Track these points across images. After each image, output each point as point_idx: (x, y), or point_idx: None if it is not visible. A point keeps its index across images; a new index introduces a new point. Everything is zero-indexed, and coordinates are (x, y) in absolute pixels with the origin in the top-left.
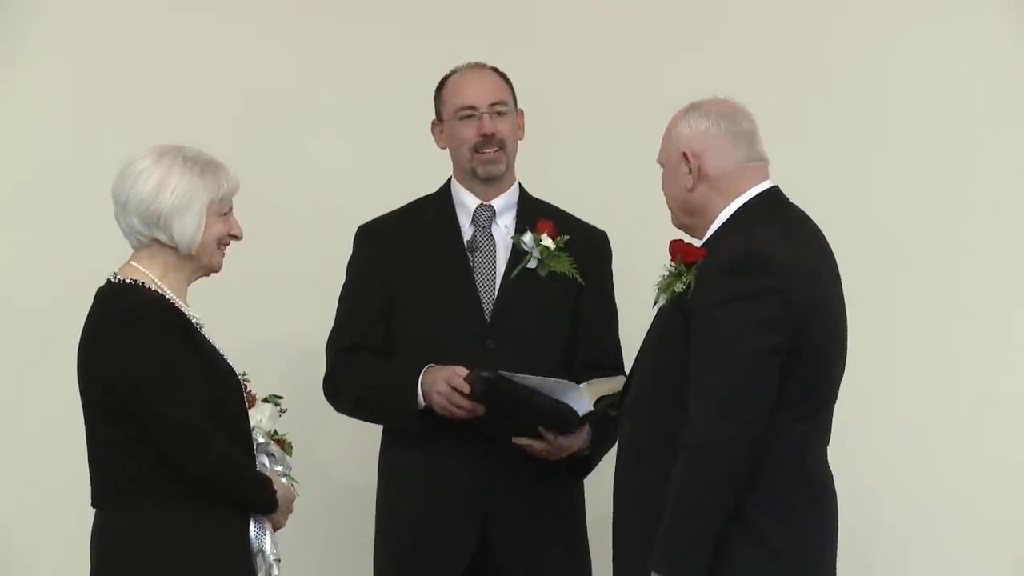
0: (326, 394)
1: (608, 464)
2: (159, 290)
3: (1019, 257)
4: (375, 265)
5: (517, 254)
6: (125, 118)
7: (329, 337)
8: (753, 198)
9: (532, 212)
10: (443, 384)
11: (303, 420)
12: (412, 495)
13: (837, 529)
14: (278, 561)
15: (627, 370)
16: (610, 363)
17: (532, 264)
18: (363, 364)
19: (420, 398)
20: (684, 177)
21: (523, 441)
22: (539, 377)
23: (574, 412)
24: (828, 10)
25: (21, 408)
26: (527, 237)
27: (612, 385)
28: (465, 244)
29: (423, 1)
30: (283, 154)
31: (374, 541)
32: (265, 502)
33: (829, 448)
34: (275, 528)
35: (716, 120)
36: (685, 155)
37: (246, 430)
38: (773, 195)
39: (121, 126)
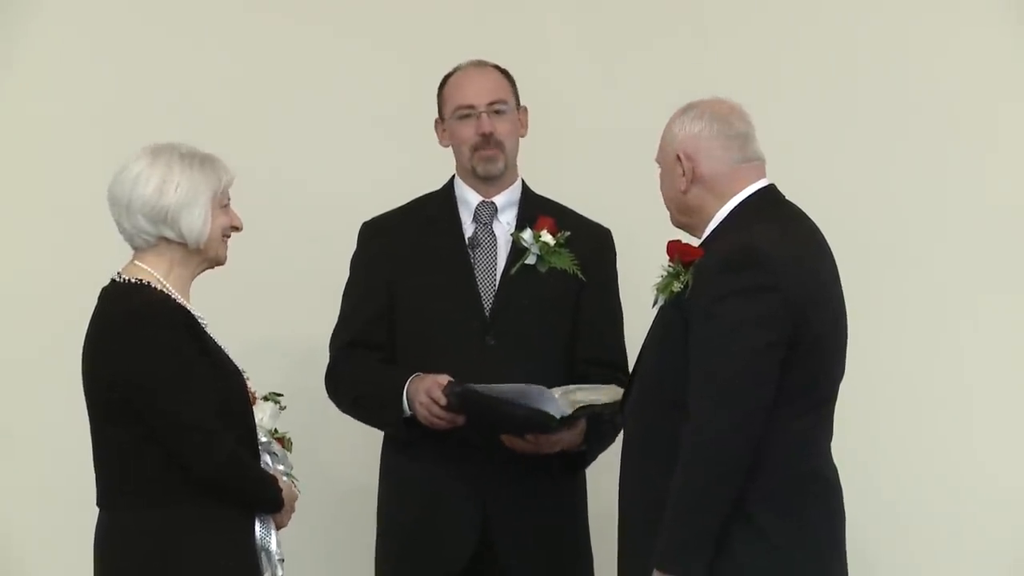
0: (327, 390)
1: (610, 463)
2: (164, 289)
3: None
4: (378, 262)
5: (517, 251)
6: (127, 118)
7: (332, 332)
8: (749, 197)
9: (534, 209)
10: (423, 395)
11: (305, 419)
12: (412, 496)
13: (844, 524)
14: (282, 561)
15: (630, 366)
16: (612, 360)
17: (531, 260)
18: (360, 365)
19: (406, 407)
20: (678, 179)
21: (511, 439)
22: (510, 385)
23: (551, 416)
24: (833, 10)
25: (25, 408)
26: (527, 234)
27: (599, 395)
28: (466, 241)
29: None
30: (285, 150)
31: (375, 542)
32: (271, 501)
33: (832, 444)
34: (278, 528)
35: (710, 122)
36: (679, 157)
37: (252, 429)
38: (770, 193)
39: (123, 125)
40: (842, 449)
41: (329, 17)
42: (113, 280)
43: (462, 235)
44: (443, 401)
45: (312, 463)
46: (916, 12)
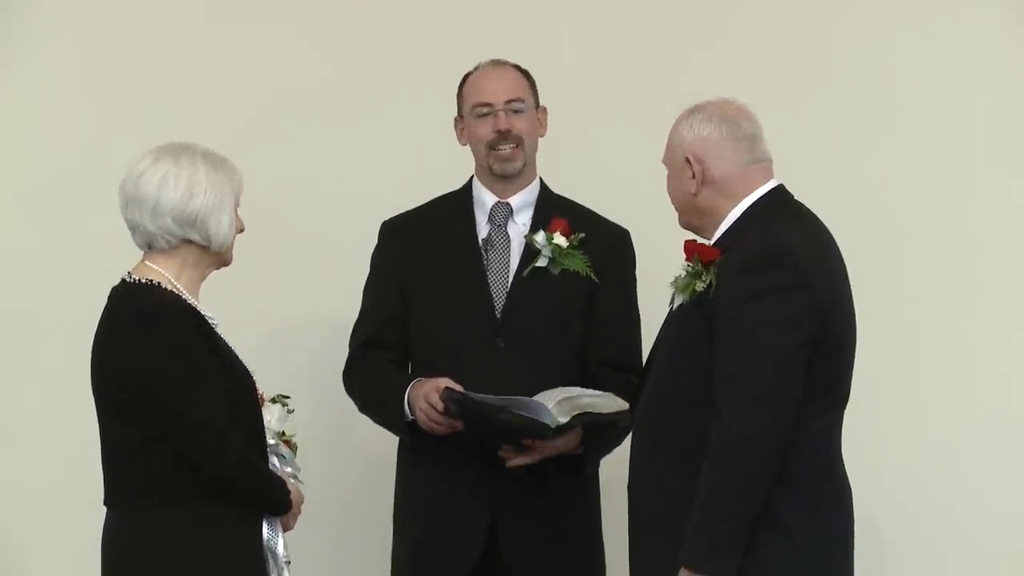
0: (344, 387)
1: (625, 468)
2: (175, 290)
3: None
4: (394, 262)
5: (531, 252)
6: (129, 117)
7: (353, 327)
8: (761, 198)
9: (552, 210)
10: (422, 400)
11: (313, 421)
12: (422, 500)
13: (853, 523)
14: (289, 563)
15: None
16: (626, 361)
17: (543, 262)
18: (372, 366)
19: (407, 412)
20: (688, 181)
21: (507, 454)
22: (505, 397)
23: (546, 426)
24: (841, 9)
25: (33, 407)
26: (540, 236)
27: (599, 405)
28: (480, 242)
29: None
30: (296, 150)
31: (391, 543)
32: (280, 503)
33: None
34: (284, 530)
35: (718, 124)
36: (688, 160)
37: (261, 430)
38: (780, 194)
39: (127, 125)
40: (850, 449)
41: (337, 18)
42: (123, 280)
43: (476, 236)
44: (440, 407)
45: (319, 465)
46: (926, 14)
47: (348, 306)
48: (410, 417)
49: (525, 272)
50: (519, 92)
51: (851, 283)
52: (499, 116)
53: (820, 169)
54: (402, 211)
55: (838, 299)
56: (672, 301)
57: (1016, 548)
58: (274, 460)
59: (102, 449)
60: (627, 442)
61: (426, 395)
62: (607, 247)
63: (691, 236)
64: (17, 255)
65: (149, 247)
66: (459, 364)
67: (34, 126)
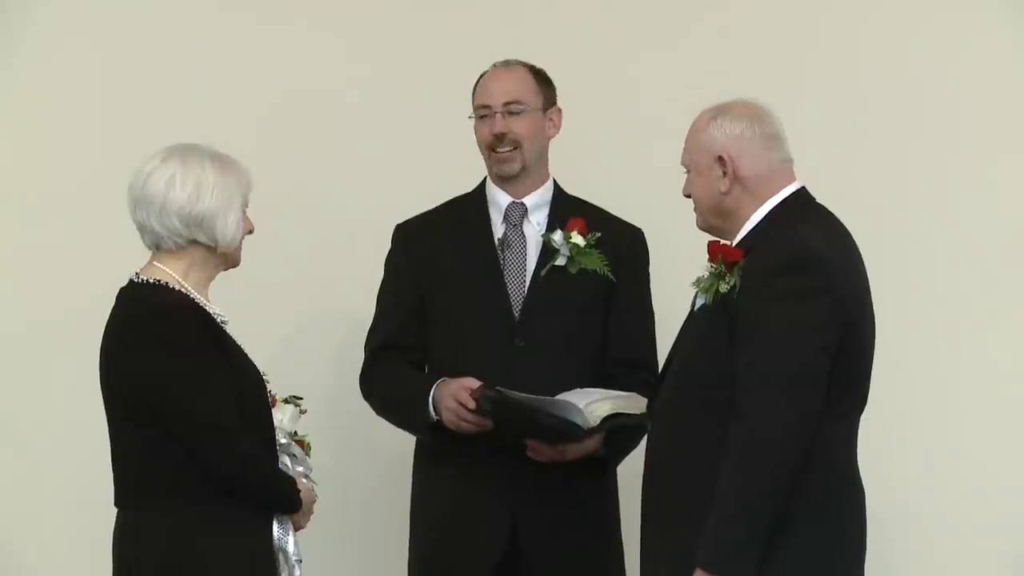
0: (362, 392)
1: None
2: (183, 290)
3: None
4: (409, 264)
5: (547, 252)
6: (142, 118)
7: (368, 331)
8: (787, 199)
9: (566, 209)
10: (450, 399)
11: (326, 421)
12: (442, 501)
13: (866, 525)
14: (300, 562)
15: (660, 366)
16: (641, 360)
17: (561, 262)
18: (390, 369)
19: (431, 412)
20: (718, 180)
21: (536, 448)
22: (540, 397)
23: (578, 427)
24: (865, 10)
25: (42, 408)
26: (557, 235)
27: (626, 406)
28: (496, 242)
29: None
30: (308, 153)
31: (408, 543)
32: (290, 502)
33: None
34: (296, 529)
35: (750, 123)
36: (721, 159)
37: (271, 430)
38: (803, 195)
39: (138, 125)
40: (871, 450)
41: (354, 18)
42: (131, 281)
43: (492, 236)
44: (471, 404)
45: (332, 465)
46: (939, 12)
47: (363, 306)
48: (435, 418)
49: (543, 272)
50: (518, 94)
51: (873, 284)
52: (496, 118)
53: (839, 171)
54: (415, 212)
55: (860, 302)
56: (694, 302)
57: (1016, 548)
58: (285, 459)
59: (112, 449)
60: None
61: (454, 394)
62: (622, 246)
63: (701, 237)
64: (26, 256)
65: (157, 248)
66: (477, 364)
67: (44, 126)
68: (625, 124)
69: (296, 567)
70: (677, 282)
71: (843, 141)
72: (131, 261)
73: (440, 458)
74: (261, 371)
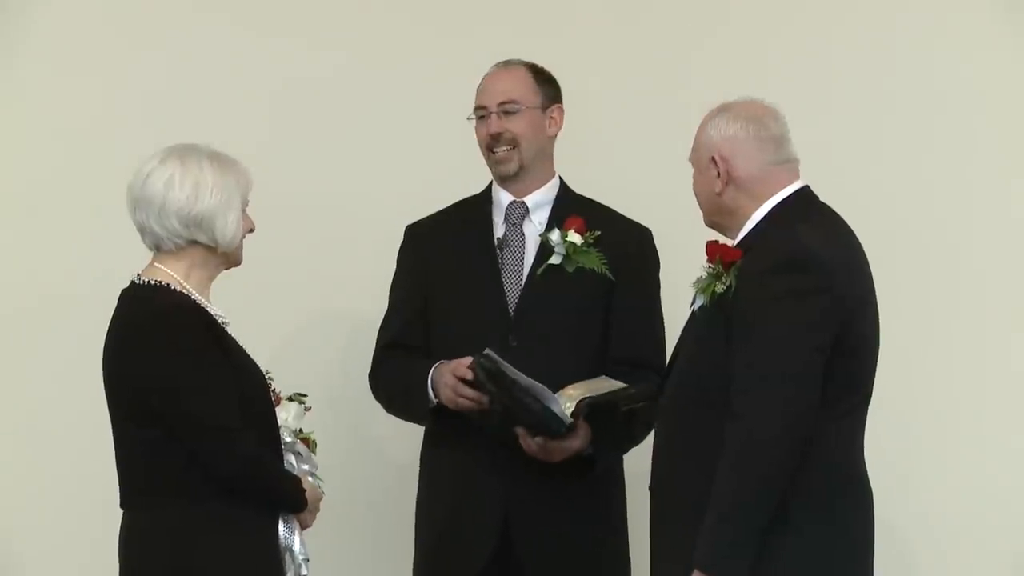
0: (371, 390)
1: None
2: (184, 291)
3: None
4: (416, 265)
5: (545, 251)
6: (143, 117)
7: (379, 328)
8: (787, 198)
9: (570, 208)
10: (449, 375)
11: (335, 418)
12: (440, 494)
13: (874, 526)
14: (306, 560)
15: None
16: (644, 358)
17: (557, 260)
18: (395, 363)
19: (431, 395)
20: (713, 180)
21: (525, 439)
22: (530, 379)
23: (557, 418)
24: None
25: (46, 410)
26: (554, 234)
27: (596, 386)
28: (495, 241)
29: None
30: (311, 152)
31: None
32: (294, 501)
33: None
34: (302, 527)
35: (745, 124)
36: (713, 159)
37: (274, 429)
38: (805, 195)
39: (138, 125)
40: (874, 449)
41: (357, 16)
42: (133, 282)
43: (492, 235)
44: (468, 375)
45: (338, 463)
46: (959, 15)
47: (368, 305)
48: (435, 401)
49: (539, 271)
50: (514, 94)
51: (877, 283)
52: (491, 119)
53: (858, 173)
54: (421, 209)
55: (862, 300)
56: (693, 302)
57: (1016, 548)
58: (290, 458)
59: (116, 451)
60: (649, 442)
61: (452, 369)
62: (627, 245)
63: (713, 236)
64: (27, 256)
65: (158, 249)
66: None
67: (44, 127)
68: (637, 124)
69: (303, 565)
70: (689, 283)
71: (862, 144)
72: (132, 261)
73: (440, 457)
74: (264, 370)
